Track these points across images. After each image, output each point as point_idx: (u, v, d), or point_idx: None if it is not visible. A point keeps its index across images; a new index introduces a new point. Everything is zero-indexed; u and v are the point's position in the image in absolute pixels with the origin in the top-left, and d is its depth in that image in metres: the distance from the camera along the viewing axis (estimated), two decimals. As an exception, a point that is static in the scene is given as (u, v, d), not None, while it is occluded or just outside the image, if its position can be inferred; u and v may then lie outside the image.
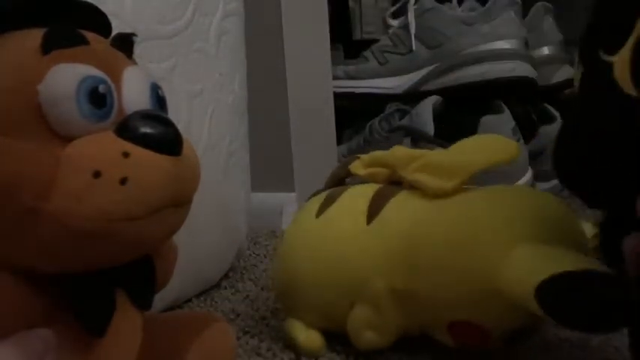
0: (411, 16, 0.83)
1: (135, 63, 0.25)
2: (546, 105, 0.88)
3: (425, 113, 0.74)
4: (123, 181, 0.21)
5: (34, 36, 0.22)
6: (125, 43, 0.25)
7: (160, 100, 0.25)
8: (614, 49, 0.22)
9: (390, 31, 0.87)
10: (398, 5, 0.88)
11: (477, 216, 0.31)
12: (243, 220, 0.55)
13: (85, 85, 0.21)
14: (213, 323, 0.30)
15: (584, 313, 0.24)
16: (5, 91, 0.21)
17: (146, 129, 0.22)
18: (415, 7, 0.83)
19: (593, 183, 0.25)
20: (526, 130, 0.79)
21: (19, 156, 0.20)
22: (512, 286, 0.28)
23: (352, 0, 0.94)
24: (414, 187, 0.35)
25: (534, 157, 0.80)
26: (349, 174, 0.41)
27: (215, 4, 0.49)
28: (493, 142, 0.35)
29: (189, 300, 0.49)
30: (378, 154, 0.39)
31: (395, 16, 0.88)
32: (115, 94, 0.23)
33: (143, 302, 0.26)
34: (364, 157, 0.40)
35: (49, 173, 0.20)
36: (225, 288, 0.52)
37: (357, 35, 0.94)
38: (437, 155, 0.35)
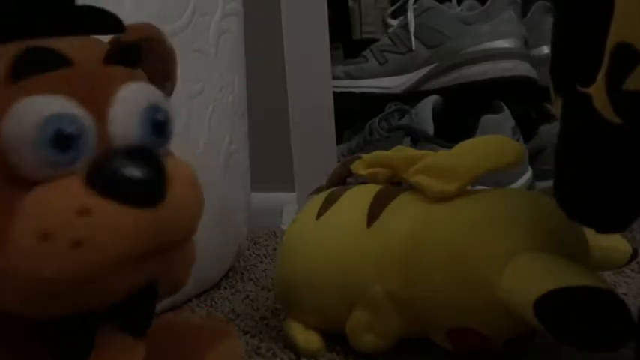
0: (410, 15, 0.83)
1: (136, 78, 0.22)
2: (546, 104, 0.88)
3: (425, 113, 0.74)
4: (76, 244, 0.18)
5: (7, 59, 0.19)
6: (129, 53, 0.23)
7: (157, 126, 0.22)
8: (588, 82, 0.22)
9: (390, 30, 0.87)
10: (397, 5, 0.88)
11: (477, 222, 0.31)
12: (243, 220, 0.55)
13: (48, 127, 0.19)
14: (225, 339, 0.29)
15: (582, 331, 0.24)
16: None
17: (118, 177, 0.19)
18: (415, 6, 0.83)
19: (600, 211, 0.25)
20: (526, 129, 0.79)
21: None
22: (511, 297, 0.27)
23: (352, 0, 0.94)
24: (415, 189, 0.35)
25: (534, 157, 0.80)
26: (350, 173, 0.41)
27: (214, 3, 0.49)
28: (497, 145, 0.34)
29: (189, 300, 0.49)
30: (379, 154, 0.39)
31: (394, 15, 0.88)
32: (90, 132, 0.20)
33: (137, 331, 0.24)
34: (366, 157, 0.39)
35: (3, 225, 0.18)
36: (225, 288, 0.52)
37: (357, 35, 0.94)
38: (439, 157, 0.35)
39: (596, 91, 0.22)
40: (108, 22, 0.23)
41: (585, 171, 0.24)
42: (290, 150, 0.76)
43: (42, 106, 0.19)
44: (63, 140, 0.19)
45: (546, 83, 0.96)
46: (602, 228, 0.26)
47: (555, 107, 0.26)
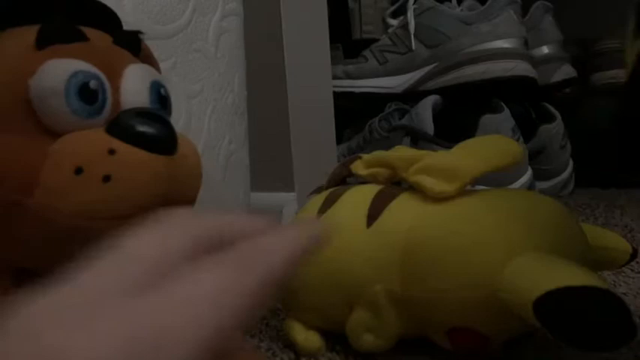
0: (410, 15, 0.83)
1: (139, 61, 0.25)
2: (546, 104, 0.88)
3: (424, 112, 0.74)
4: (106, 179, 0.20)
5: (33, 32, 0.22)
6: (130, 41, 0.25)
7: (161, 99, 0.25)
8: None
9: (390, 30, 0.87)
10: (397, 5, 0.88)
11: (476, 222, 0.31)
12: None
13: (75, 80, 0.21)
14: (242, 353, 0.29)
15: (582, 331, 0.24)
16: (1, 85, 0.21)
17: (137, 127, 0.22)
18: (414, 6, 0.83)
19: None
20: (526, 129, 0.79)
21: (4, 149, 0.20)
22: (510, 297, 0.27)
23: (352, 0, 0.94)
24: (415, 189, 0.35)
25: (534, 157, 0.80)
26: (350, 173, 0.41)
27: (214, 3, 0.49)
28: (497, 145, 0.34)
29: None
30: (379, 154, 0.39)
31: (394, 15, 0.88)
32: (108, 92, 0.22)
33: None
34: (365, 156, 0.39)
35: (34, 168, 0.20)
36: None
37: (357, 35, 0.94)
38: (439, 157, 0.35)
39: None
40: (110, 17, 0.25)
41: None
42: (290, 150, 0.76)
43: (68, 65, 0.21)
44: (88, 93, 0.21)
45: (545, 83, 0.96)
46: None
47: (630, 54, 0.25)
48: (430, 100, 0.77)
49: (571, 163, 0.88)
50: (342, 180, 0.42)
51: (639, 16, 0.22)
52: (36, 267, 0.22)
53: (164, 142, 0.22)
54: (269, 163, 0.74)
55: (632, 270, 0.49)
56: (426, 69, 0.81)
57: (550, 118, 0.85)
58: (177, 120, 0.41)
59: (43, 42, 0.21)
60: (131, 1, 0.39)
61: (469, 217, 0.32)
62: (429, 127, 0.73)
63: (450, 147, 0.36)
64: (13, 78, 0.21)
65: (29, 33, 0.22)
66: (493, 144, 0.34)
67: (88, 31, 0.23)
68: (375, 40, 0.88)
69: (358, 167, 0.39)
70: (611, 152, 0.88)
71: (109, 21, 0.25)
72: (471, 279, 0.30)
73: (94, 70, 0.22)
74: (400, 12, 0.87)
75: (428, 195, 0.34)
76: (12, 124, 0.20)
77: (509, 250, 0.29)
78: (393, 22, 0.87)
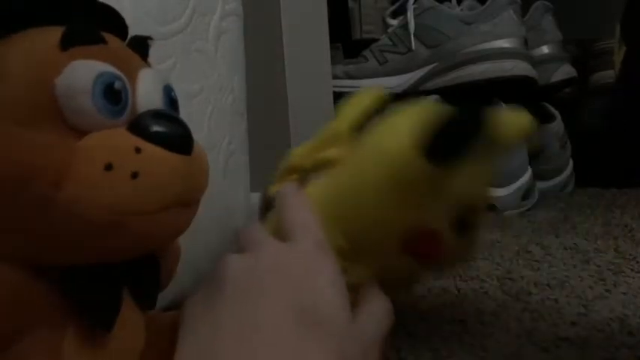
0: (410, 15, 0.83)
1: (149, 65, 0.26)
2: (546, 104, 0.88)
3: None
4: (134, 175, 0.21)
5: (54, 33, 0.22)
6: (141, 46, 0.26)
7: (172, 102, 0.26)
8: None
9: (390, 30, 0.87)
10: (397, 5, 0.88)
11: (378, 134, 0.33)
12: (243, 220, 0.55)
13: (101, 80, 0.22)
14: None
15: (452, 147, 0.29)
16: (24, 83, 0.21)
17: (158, 127, 0.23)
18: (414, 6, 0.83)
19: None
20: (526, 129, 0.79)
21: (34, 145, 0.20)
22: (411, 163, 0.29)
23: (352, 0, 0.94)
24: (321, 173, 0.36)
25: (534, 156, 0.81)
26: (272, 199, 0.41)
27: (214, 4, 0.49)
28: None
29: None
30: (281, 166, 0.41)
31: (394, 15, 0.89)
32: (130, 93, 0.23)
33: (147, 302, 0.26)
34: (275, 176, 0.41)
35: (63, 162, 0.21)
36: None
37: (357, 35, 0.94)
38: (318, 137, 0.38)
39: None
40: (120, 20, 0.26)
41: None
42: (290, 150, 0.76)
43: (94, 65, 0.22)
44: (113, 93, 0.22)
45: (545, 83, 0.96)
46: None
47: (617, 56, 0.27)
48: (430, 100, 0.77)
49: (571, 163, 0.88)
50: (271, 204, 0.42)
51: (622, 25, 0.23)
52: (64, 263, 0.22)
53: (183, 141, 0.23)
54: (269, 163, 0.74)
55: (632, 270, 0.49)
56: (426, 69, 0.81)
57: (550, 118, 0.85)
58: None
59: (67, 43, 0.22)
60: (131, 1, 0.39)
61: (369, 139, 0.33)
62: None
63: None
64: (39, 77, 0.21)
65: (52, 33, 0.22)
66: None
67: (104, 34, 0.24)
68: (375, 40, 0.88)
69: (273, 189, 0.40)
70: (611, 152, 0.88)
71: (119, 24, 0.26)
72: (392, 170, 0.30)
73: (116, 71, 0.23)
74: (400, 12, 0.87)
75: (323, 146, 0.36)
76: (39, 121, 0.21)
77: (412, 145, 0.30)
78: (393, 22, 0.87)
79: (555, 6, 0.94)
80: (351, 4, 0.94)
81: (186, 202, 0.24)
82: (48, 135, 0.21)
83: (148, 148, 0.22)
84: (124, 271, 0.24)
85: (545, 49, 0.92)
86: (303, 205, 0.32)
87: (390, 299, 0.27)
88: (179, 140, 0.23)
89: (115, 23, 0.26)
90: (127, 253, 0.23)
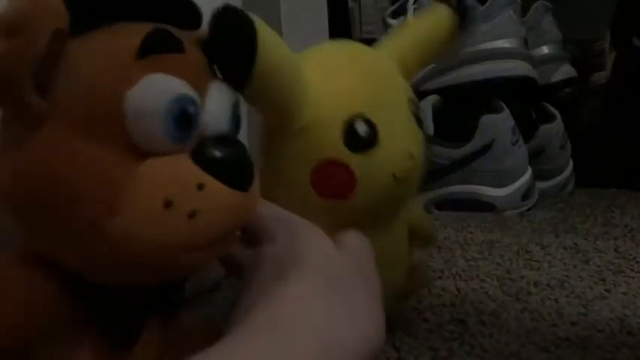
0: (410, 15, 0.83)
1: (216, 75, 0.24)
2: (546, 104, 0.88)
3: (424, 112, 0.74)
4: (192, 215, 0.20)
5: (132, 35, 0.21)
6: (214, 53, 0.24)
7: (237, 120, 0.24)
8: None
9: (390, 30, 0.87)
10: (397, 5, 0.88)
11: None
12: (243, 220, 0.55)
13: (176, 105, 0.20)
14: None
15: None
16: (92, 89, 0.20)
17: (224, 161, 0.21)
18: (414, 6, 0.83)
19: None
20: (525, 129, 0.79)
21: (91, 161, 0.19)
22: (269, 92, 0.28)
23: (352, 0, 0.94)
24: None
25: (534, 156, 0.80)
26: None
27: (214, 3, 0.49)
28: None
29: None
30: None
31: (394, 15, 0.88)
32: (200, 115, 0.21)
33: (169, 315, 0.25)
34: None
35: (119, 187, 0.19)
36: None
37: (357, 35, 0.94)
38: None
39: None
40: (195, 15, 0.25)
41: (633, 112, 0.26)
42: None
43: (171, 85, 0.20)
44: (185, 119, 0.21)
45: (545, 83, 0.96)
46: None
47: (609, 60, 0.28)
48: (430, 100, 0.77)
49: (571, 163, 0.88)
50: None
51: (612, 32, 0.24)
52: (99, 281, 0.22)
53: (245, 179, 0.22)
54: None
55: (632, 270, 0.49)
56: (426, 69, 0.81)
57: (550, 118, 0.85)
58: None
59: (145, 50, 0.20)
60: (131, 2, 0.39)
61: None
62: (429, 127, 0.74)
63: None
64: (110, 85, 0.20)
65: (130, 35, 0.21)
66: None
67: (182, 35, 0.22)
68: (375, 40, 0.88)
69: None
70: (610, 152, 0.88)
71: (190, 16, 0.25)
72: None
73: (192, 92, 0.21)
74: (400, 12, 0.87)
75: None
76: (99, 131, 0.19)
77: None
78: (393, 22, 0.87)
79: (555, 6, 0.94)
80: (351, 4, 0.94)
81: (234, 235, 0.23)
82: (108, 152, 0.19)
83: (211, 184, 0.21)
84: (151, 293, 0.23)
85: (545, 49, 0.91)
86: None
87: (385, 311, 0.26)
88: (242, 176, 0.22)
89: (187, 13, 0.24)
90: (166, 279, 0.23)
